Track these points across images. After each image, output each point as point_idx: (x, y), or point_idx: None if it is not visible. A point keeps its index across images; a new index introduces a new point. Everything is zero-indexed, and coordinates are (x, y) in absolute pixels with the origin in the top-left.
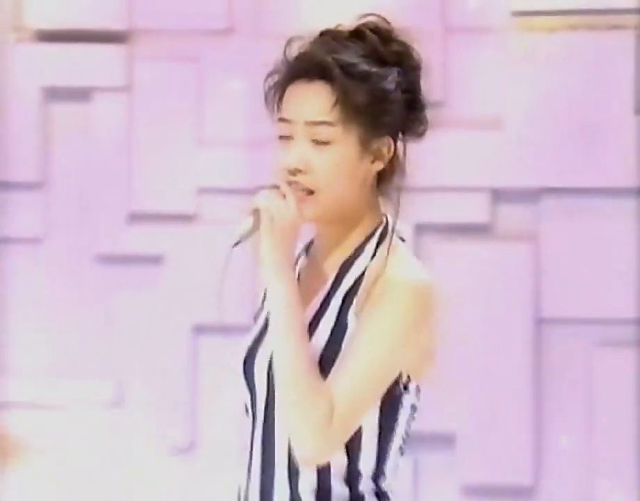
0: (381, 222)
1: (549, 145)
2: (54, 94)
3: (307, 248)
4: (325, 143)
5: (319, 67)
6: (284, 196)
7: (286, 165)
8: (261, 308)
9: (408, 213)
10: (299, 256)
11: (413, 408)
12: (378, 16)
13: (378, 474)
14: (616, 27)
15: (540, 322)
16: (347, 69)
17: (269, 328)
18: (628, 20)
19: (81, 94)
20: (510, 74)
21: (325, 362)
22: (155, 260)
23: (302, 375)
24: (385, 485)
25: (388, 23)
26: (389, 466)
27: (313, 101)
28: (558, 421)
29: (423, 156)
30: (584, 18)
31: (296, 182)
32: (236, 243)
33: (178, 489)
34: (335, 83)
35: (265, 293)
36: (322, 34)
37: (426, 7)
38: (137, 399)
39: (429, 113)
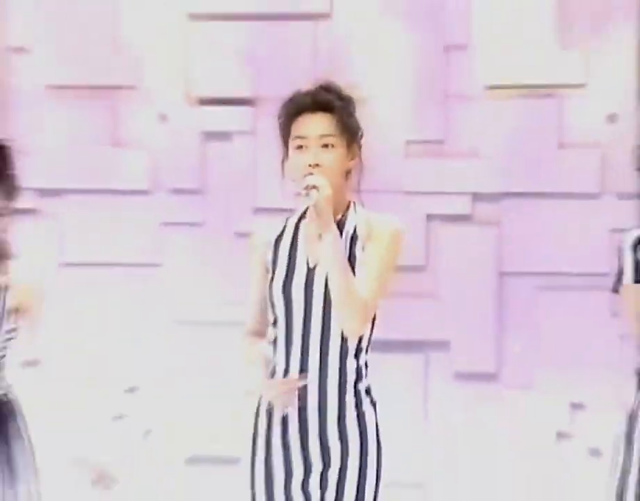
0: (349, 200)
1: (509, 167)
2: (210, 136)
3: (300, 217)
4: (331, 147)
5: (322, 103)
6: (320, 179)
7: (309, 162)
8: (275, 259)
9: (421, 206)
10: (300, 219)
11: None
12: (329, 80)
13: (367, 349)
14: (547, 96)
15: (502, 274)
16: (339, 103)
17: (325, 259)
18: (554, 91)
19: (225, 136)
20: (484, 123)
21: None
22: None
23: (349, 283)
24: (368, 358)
25: (336, 83)
26: (371, 344)
27: (322, 123)
28: (514, 335)
29: (432, 173)
30: (527, 90)
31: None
32: (314, 206)
33: None
34: (334, 111)
35: (274, 250)
36: (301, 92)
37: (432, 80)
38: None
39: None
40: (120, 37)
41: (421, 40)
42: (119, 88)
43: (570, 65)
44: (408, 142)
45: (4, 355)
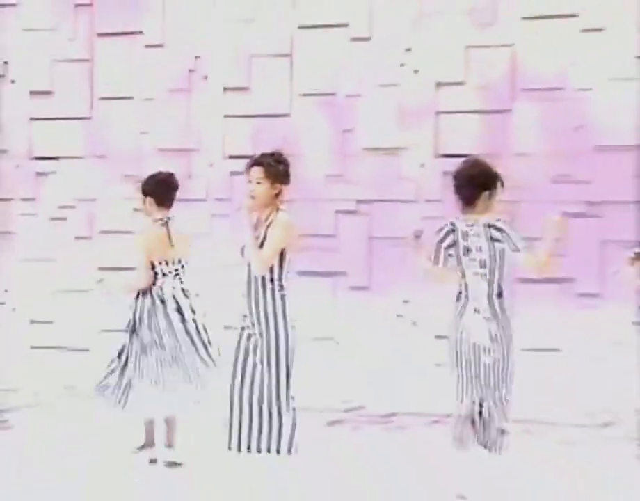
0: (276, 208)
1: (374, 187)
2: (234, 173)
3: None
4: (260, 184)
5: (258, 161)
6: (247, 200)
7: (249, 190)
8: (243, 249)
9: (333, 206)
10: (258, 221)
11: (289, 260)
12: (277, 149)
13: (280, 279)
14: (391, 154)
15: (371, 238)
16: (268, 160)
17: (246, 246)
18: (395, 151)
19: (240, 173)
20: (362, 167)
21: (263, 246)
22: None
23: (257, 252)
24: (284, 284)
25: (279, 150)
26: (284, 276)
27: (256, 172)
28: (378, 267)
29: (338, 190)
30: (382, 151)
31: (252, 196)
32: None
33: None
34: (263, 165)
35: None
36: (261, 155)
37: (337, 146)
38: None
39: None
40: (191, 126)
41: (331, 146)
42: (190, 150)
43: (404, 139)
44: (327, 176)
45: (182, 280)
